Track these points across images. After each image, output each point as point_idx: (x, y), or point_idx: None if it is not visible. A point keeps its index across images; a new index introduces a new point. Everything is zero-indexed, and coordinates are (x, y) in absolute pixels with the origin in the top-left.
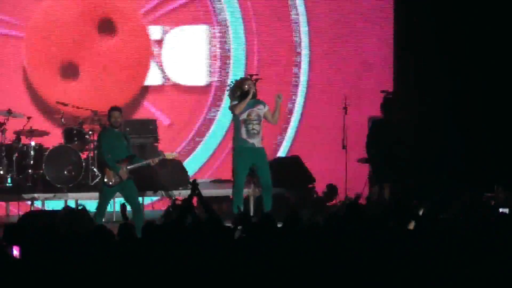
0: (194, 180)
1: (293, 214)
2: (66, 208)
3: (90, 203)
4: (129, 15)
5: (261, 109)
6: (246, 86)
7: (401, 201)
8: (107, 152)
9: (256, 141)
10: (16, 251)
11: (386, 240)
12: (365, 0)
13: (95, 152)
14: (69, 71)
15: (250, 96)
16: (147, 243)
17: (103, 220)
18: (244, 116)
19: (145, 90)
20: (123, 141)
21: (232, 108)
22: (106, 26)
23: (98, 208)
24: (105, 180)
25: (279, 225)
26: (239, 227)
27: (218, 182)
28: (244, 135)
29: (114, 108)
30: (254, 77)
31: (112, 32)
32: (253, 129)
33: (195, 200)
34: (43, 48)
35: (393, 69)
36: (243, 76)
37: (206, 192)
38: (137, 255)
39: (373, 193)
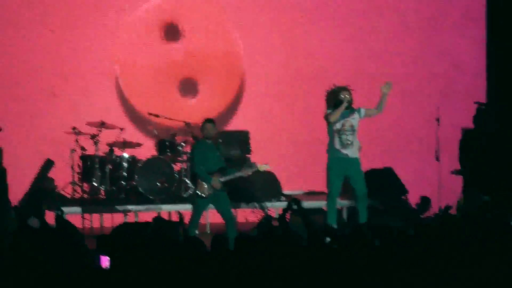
0: (295, 199)
1: (384, 227)
2: (158, 219)
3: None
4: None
5: (355, 118)
6: (342, 96)
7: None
8: (200, 164)
9: (349, 152)
10: (105, 262)
11: (476, 251)
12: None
13: (188, 163)
14: (163, 82)
15: (344, 105)
16: (240, 254)
17: (196, 232)
18: (338, 126)
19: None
20: (216, 153)
21: (326, 117)
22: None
23: (191, 219)
24: (198, 191)
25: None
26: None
27: (312, 194)
28: (337, 145)
29: (207, 120)
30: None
31: (205, 44)
32: (346, 139)
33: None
34: (135, 58)
35: (486, 77)
36: (338, 86)
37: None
38: (229, 267)
39: (465, 204)
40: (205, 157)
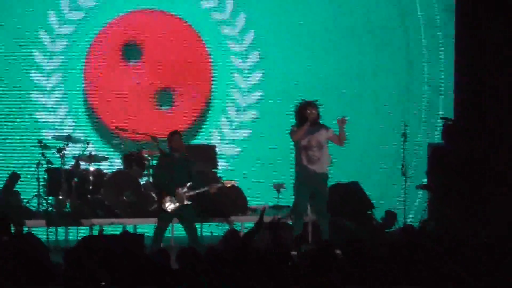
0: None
1: (353, 242)
2: (124, 232)
3: (149, 228)
4: None
5: (322, 135)
6: (307, 111)
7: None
8: (164, 178)
9: (317, 167)
10: None
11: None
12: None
13: (154, 178)
14: (130, 95)
15: (308, 123)
16: (207, 268)
17: (161, 245)
18: (305, 142)
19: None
20: (182, 167)
21: (291, 134)
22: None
23: (156, 233)
24: (163, 205)
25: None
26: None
27: (277, 208)
28: (304, 161)
29: (173, 133)
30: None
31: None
32: (313, 155)
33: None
34: (104, 72)
35: (454, 95)
36: (305, 101)
37: (265, 218)
38: (194, 280)
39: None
40: (171, 170)
